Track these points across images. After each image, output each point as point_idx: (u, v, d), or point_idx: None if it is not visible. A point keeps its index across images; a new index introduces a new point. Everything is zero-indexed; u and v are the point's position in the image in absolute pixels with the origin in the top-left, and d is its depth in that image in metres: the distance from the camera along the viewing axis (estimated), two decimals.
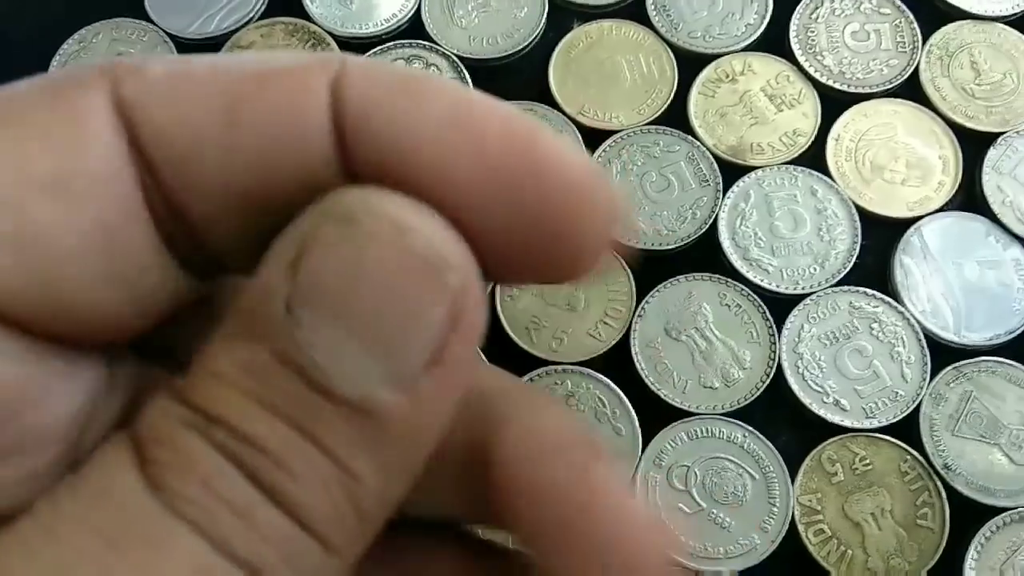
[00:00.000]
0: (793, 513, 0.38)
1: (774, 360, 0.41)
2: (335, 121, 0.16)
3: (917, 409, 0.40)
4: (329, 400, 0.14)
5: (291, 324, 0.14)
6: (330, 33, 0.47)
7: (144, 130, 0.16)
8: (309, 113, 0.16)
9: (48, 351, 0.17)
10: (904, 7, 0.47)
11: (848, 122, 0.45)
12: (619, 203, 0.16)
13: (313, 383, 0.14)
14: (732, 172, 0.44)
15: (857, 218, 0.43)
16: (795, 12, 0.47)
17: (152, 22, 0.48)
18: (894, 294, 0.42)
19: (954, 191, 0.44)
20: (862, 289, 0.42)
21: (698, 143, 0.44)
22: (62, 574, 0.14)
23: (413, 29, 0.48)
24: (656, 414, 0.40)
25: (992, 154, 0.44)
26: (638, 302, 0.42)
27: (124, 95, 0.16)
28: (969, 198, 0.44)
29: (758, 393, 0.40)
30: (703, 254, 0.43)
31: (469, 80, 0.46)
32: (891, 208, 0.43)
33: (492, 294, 0.42)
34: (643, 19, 0.47)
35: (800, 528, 0.38)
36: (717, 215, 0.43)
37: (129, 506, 0.14)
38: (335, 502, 0.15)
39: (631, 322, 0.41)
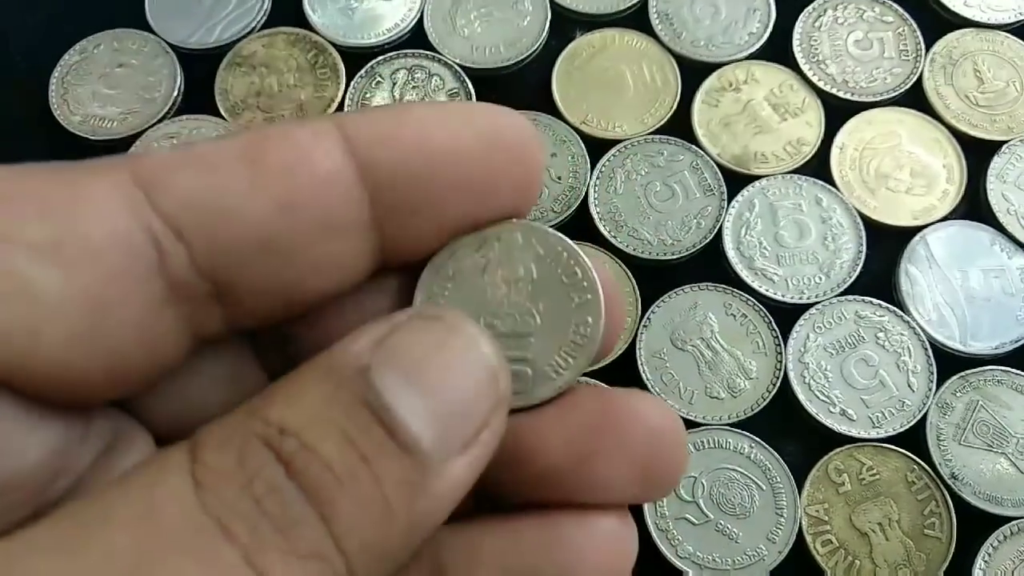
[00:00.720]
0: (800, 523, 0.38)
1: (780, 370, 0.40)
2: (352, 156, 0.18)
3: (924, 418, 0.40)
4: (394, 439, 0.16)
5: (371, 380, 0.16)
6: (332, 43, 0.47)
7: (165, 199, 0.17)
8: (327, 153, 0.18)
9: (19, 403, 0.17)
10: (907, 15, 0.47)
11: (852, 131, 0.45)
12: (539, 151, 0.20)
13: (384, 423, 0.16)
14: (736, 181, 0.44)
15: (862, 227, 0.43)
16: (798, 20, 0.47)
17: (153, 32, 0.47)
18: (900, 303, 0.42)
19: (959, 200, 0.44)
20: (868, 298, 0.42)
21: (702, 152, 0.44)
22: (108, 571, 0.14)
23: (415, 39, 0.47)
24: None
25: (996, 162, 0.44)
26: (643, 312, 0.42)
27: (141, 178, 0.17)
28: (973, 207, 0.44)
29: (764, 403, 0.40)
30: (708, 264, 0.43)
31: (472, 89, 0.46)
32: (896, 217, 0.43)
33: None
34: (646, 28, 0.47)
35: (807, 538, 0.38)
36: (722, 224, 0.43)
37: (172, 511, 0.15)
38: (371, 531, 0.16)
39: (637, 332, 0.41)
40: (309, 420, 0.16)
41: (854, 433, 0.39)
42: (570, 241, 0.21)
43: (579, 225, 0.43)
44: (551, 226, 0.22)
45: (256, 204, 0.18)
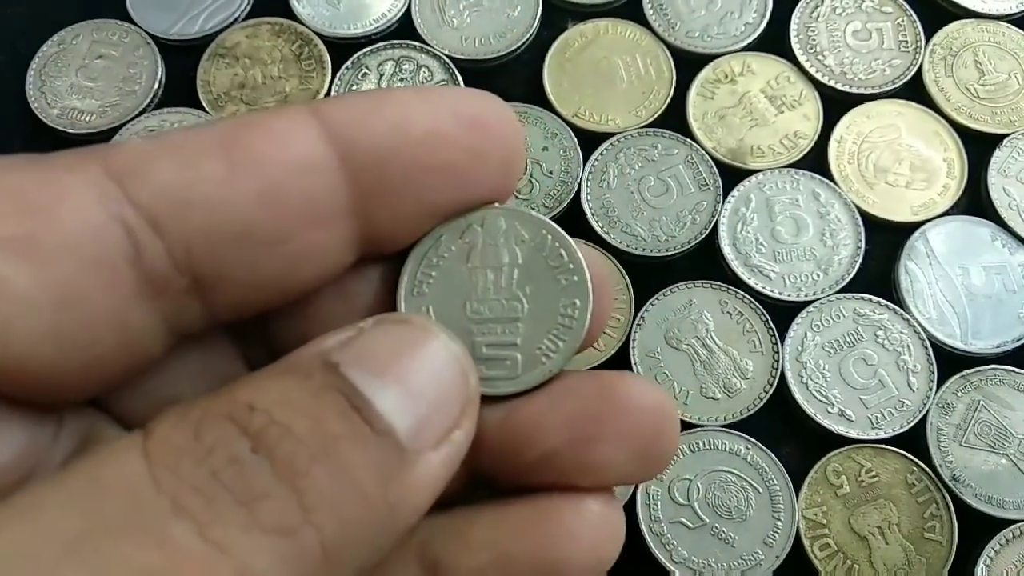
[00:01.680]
0: (798, 527, 0.38)
1: (777, 369, 0.40)
2: (330, 142, 0.18)
3: (924, 419, 0.39)
4: (368, 424, 0.16)
5: (342, 372, 0.16)
6: (318, 34, 0.46)
7: (140, 191, 0.17)
8: (305, 139, 0.18)
9: None
10: (907, 5, 0.46)
11: (850, 124, 0.44)
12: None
13: (358, 409, 0.16)
14: (732, 176, 0.43)
15: (861, 222, 0.42)
16: (795, 11, 0.46)
17: (134, 23, 0.46)
18: (899, 301, 0.41)
19: (959, 194, 0.43)
20: (867, 296, 0.41)
21: (697, 146, 0.43)
22: (32, 556, 0.14)
23: (403, 29, 0.46)
24: None
25: (998, 156, 0.43)
26: (637, 310, 0.41)
27: (115, 169, 0.17)
28: (974, 201, 0.43)
29: (761, 404, 0.39)
30: (703, 260, 0.42)
31: (461, 81, 0.45)
32: (895, 212, 0.42)
33: None
34: (640, 18, 0.46)
35: (805, 542, 0.38)
36: (717, 220, 0.42)
37: (119, 488, 0.15)
38: (346, 510, 0.15)
39: (630, 331, 0.40)
40: (279, 401, 0.16)
41: (853, 434, 0.39)
42: (554, 224, 0.21)
43: (571, 221, 0.43)
44: None
45: (234, 193, 0.17)
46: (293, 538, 0.15)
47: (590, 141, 0.44)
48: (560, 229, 0.21)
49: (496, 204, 0.21)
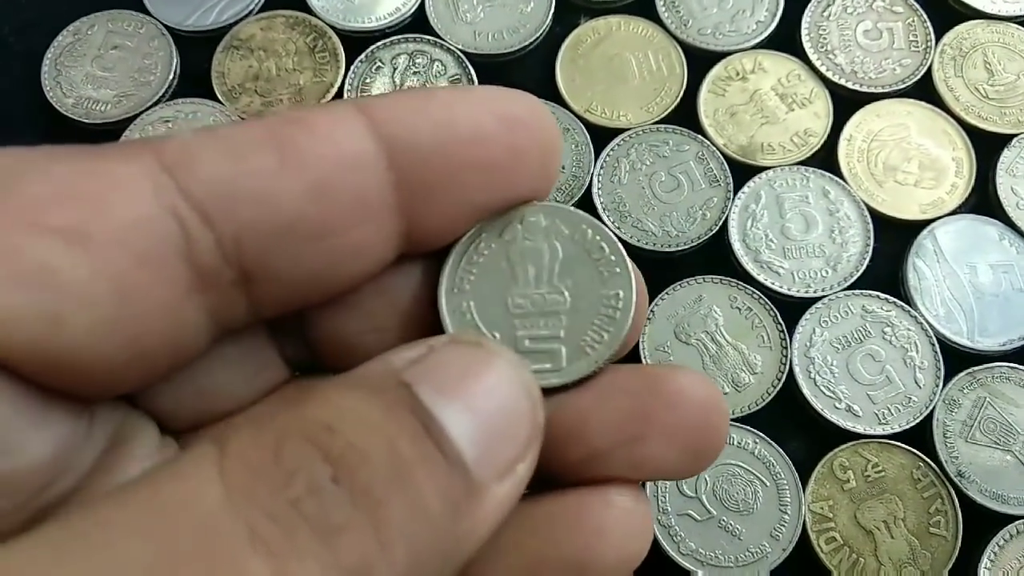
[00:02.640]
0: (805, 520, 0.38)
1: (785, 365, 0.40)
2: (377, 139, 0.18)
3: (930, 415, 0.39)
4: (440, 450, 0.15)
5: (415, 391, 0.16)
6: (332, 27, 0.46)
7: (193, 183, 0.17)
8: (353, 136, 0.18)
9: (31, 396, 0.16)
10: (917, 6, 0.46)
11: (860, 122, 0.44)
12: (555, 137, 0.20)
13: (431, 432, 0.15)
14: (743, 172, 0.43)
15: (870, 220, 0.42)
16: (807, 9, 0.46)
17: (149, 14, 0.46)
18: (907, 298, 0.41)
19: (968, 193, 0.43)
20: (875, 293, 0.41)
21: (708, 143, 0.44)
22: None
23: (417, 23, 0.47)
24: None
25: (1006, 156, 0.43)
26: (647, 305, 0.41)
27: (166, 160, 0.17)
28: (983, 200, 0.43)
29: (769, 398, 0.40)
30: (713, 256, 0.43)
31: (474, 76, 0.45)
32: (904, 210, 0.43)
33: None
34: (652, 15, 0.46)
35: (812, 536, 0.38)
36: (727, 216, 0.42)
37: (194, 513, 0.14)
38: (418, 544, 0.15)
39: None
40: (356, 422, 0.15)
41: (860, 429, 0.39)
42: (593, 219, 0.21)
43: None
44: None
45: (284, 188, 0.18)
46: (371, 573, 0.14)
47: (602, 136, 0.44)
48: (600, 224, 0.21)
49: (535, 201, 0.21)
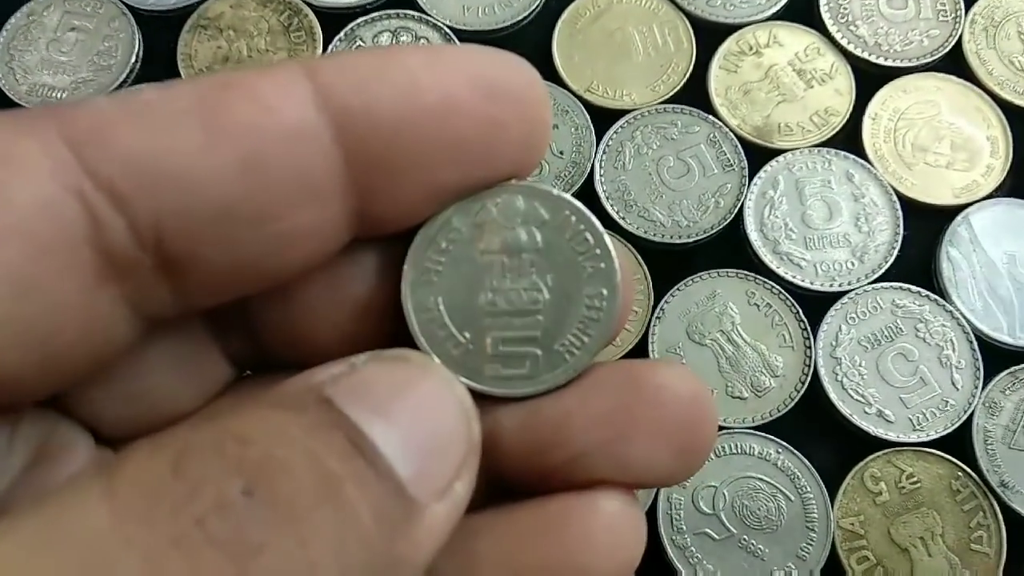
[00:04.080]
0: (833, 538, 0.37)
1: (809, 366, 0.38)
2: (325, 108, 0.17)
3: (969, 420, 0.38)
4: (373, 467, 0.15)
5: (339, 408, 0.15)
6: (307, 3, 0.44)
7: (102, 161, 0.16)
8: (296, 104, 0.17)
9: None
10: None
11: (886, 99, 0.43)
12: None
13: (360, 448, 0.15)
14: (758, 155, 0.42)
15: (899, 206, 0.41)
16: None
17: None
18: (941, 291, 0.40)
19: (1004, 175, 0.42)
20: (906, 286, 0.40)
21: (720, 123, 0.42)
22: None
23: None
24: None
25: None
26: (656, 302, 0.39)
27: (72, 134, 0.16)
28: (1020, 183, 0.42)
29: (792, 403, 0.38)
30: (728, 248, 0.41)
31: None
32: (935, 195, 0.41)
33: None
34: None
35: (841, 555, 0.36)
36: (743, 204, 0.41)
37: (75, 544, 0.13)
38: (351, 564, 0.14)
39: (649, 324, 0.39)
40: (274, 434, 0.15)
41: (892, 436, 0.38)
42: (578, 203, 0.20)
43: (584, 205, 0.40)
44: None
45: (213, 165, 0.16)
46: None
47: (604, 118, 0.43)
48: (585, 210, 0.20)
49: (513, 180, 0.19)
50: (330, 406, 0.15)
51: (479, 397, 0.19)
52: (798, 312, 0.39)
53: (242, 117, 0.16)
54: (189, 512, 0.13)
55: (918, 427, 0.37)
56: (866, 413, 0.38)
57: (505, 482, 0.20)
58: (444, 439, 0.16)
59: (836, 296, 0.39)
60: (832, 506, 0.37)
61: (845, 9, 0.44)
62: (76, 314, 0.16)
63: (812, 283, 0.39)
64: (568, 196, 0.20)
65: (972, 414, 0.38)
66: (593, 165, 0.41)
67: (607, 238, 0.20)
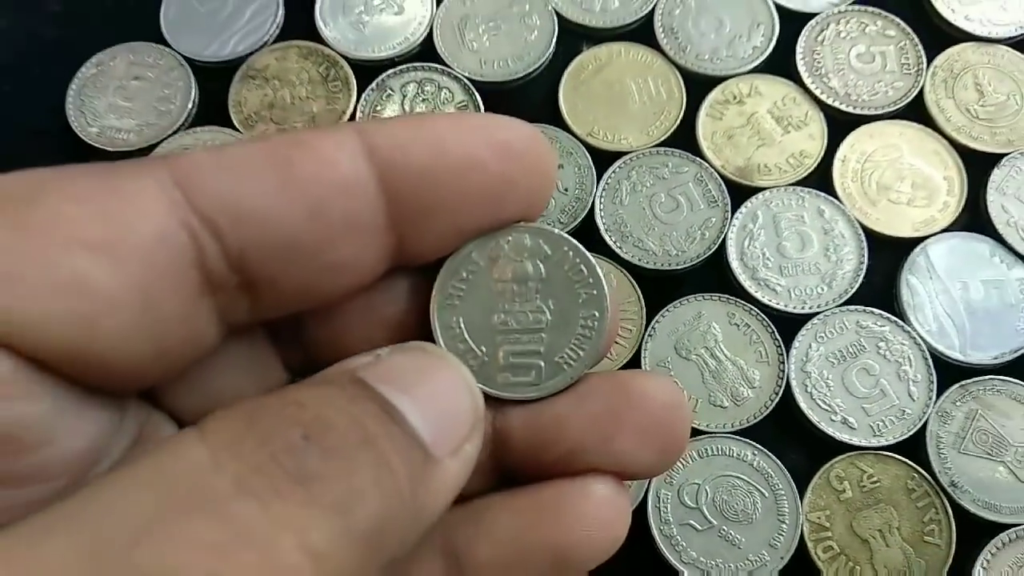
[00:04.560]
0: (802, 530, 0.39)
1: (783, 379, 0.41)
2: (372, 163, 0.19)
3: (924, 427, 0.40)
4: (401, 429, 0.17)
5: (370, 385, 0.18)
6: (344, 56, 0.48)
7: (205, 201, 0.18)
8: (350, 160, 0.19)
9: (70, 392, 0.18)
10: (909, 29, 0.47)
11: (854, 143, 0.45)
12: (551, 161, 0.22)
13: (390, 415, 0.17)
14: (740, 193, 0.44)
15: (864, 238, 0.43)
16: (801, 34, 0.47)
17: (168, 45, 0.48)
18: (901, 314, 0.42)
19: (959, 211, 0.44)
20: (869, 309, 0.42)
21: (706, 164, 0.45)
22: (107, 541, 0.14)
23: (425, 52, 0.48)
24: None
25: (996, 175, 0.44)
26: (648, 322, 0.42)
27: (180, 178, 0.18)
28: (974, 218, 0.44)
29: (767, 411, 0.41)
30: (712, 274, 0.44)
31: (480, 102, 0.47)
32: (897, 228, 0.44)
33: None
34: (652, 42, 0.48)
35: (809, 545, 0.39)
36: (726, 235, 0.43)
37: (182, 473, 0.16)
38: (385, 500, 0.17)
39: (642, 341, 0.42)
40: (322, 401, 0.17)
41: (855, 441, 0.40)
42: (575, 241, 0.22)
43: (585, 236, 0.44)
44: None
45: (284, 206, 0.19)
46: (347, 515, 0.16)
47: (604, 159, 0.45)
48: (580, 246, 0.23)
49: (522, 222, 0.22)
50: (364, 384, 0.18)
51: (492, 400, 0.22)
52: (773, 331, 0.41)
53: (308, 169, 0.19)
54: (264, 450, 0.16)
55: (878, 433, 0.40)
56: (832, 420, 0.40)
57: (512, 472, 0.22)
58: (456, 411, 0.19)
59: (807, 317, 0.42)
60: (801, 502, 0.39)
61: (819, 63, 0.47)
62: (182, 320, 0.19)
63: (786, 306, 0.42)
64: (566, 235, 0.22)
65: (926, 422, 0.40)
66: (594, 201, 0.44)
67: (599, 270, 0.22)
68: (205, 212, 0.19)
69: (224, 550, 0.15)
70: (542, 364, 0.22)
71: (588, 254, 0.23)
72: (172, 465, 0.16)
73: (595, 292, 0.22)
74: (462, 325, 0.22)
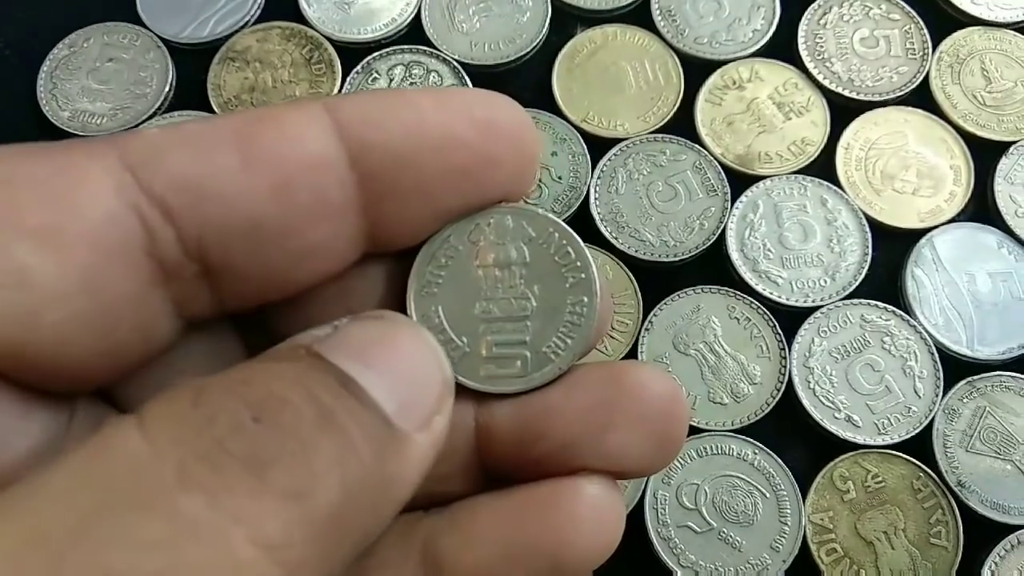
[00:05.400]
0: (805, 532, 0.38)
1: (784, 375, 0.40)
2: (343, 140, 0.18)
3: (930, 425, 0.39)
4: (361, 403, 0.16)
5: (327, 358, 0.16)
6: (328, 38, 0.46)
7: (154, 181, 0.17)
8: (318, 136, 0.18)
9: (9, 392, 0.17)
10: (914, 13, 0.46)
11: (858, 130, 0.44)
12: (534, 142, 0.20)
13: (347, 387, 0.16)
14: (740, 182, 0.43)
15: (868, 229, 0.42)
16: (803, 18, 0.46)
17: (145, 26, 0.46)
18: (906, 307, 0.41)
19: (966, 201, 0.43)
20: (873, 302, 0.41)
21: (705, 152, 0.44)
22: (39, 542, 0.13)
23: (413, 34, 0.47)
24: None
25: (1004, 164, 0.43)
26: (645, 315, 0.41)
27: (130, 158, 0.17)
28: (981, 208, 0.43)
29: (768, 409, 0.40)
30: (711, 266, 0.42)
31: (470, 86, 0.45)
32: (902, 219, 0.43)
33: None
34: (648, 24, 0.46)
35: (812, 547, 0.38)
36: (725, 226, 0.42)
37: (118, 465, 0.14)
38: (351, 477, 0.15)
39: (638, 336, 0.41)
40: (273, 376, 0.16)
41: (859, 439, 0.39)
42: (560, 222, 0.21)
43: (580, 226, 0.43)
44: None
45: (247, 187, 0.18)
46: (305, 501, 0.14)
47: (599, 146, 0.44)
48: (567, 227, 0.21)
49: (503, 203, 0.21)
50: (318, 357, 0.16)
51: (475, 394, 0.21)
52: (775, 325, 0.40)
53: (272, 146, 0.18)
54: (210, 435, 0.14)
55: (883, 431, 0.39)
56: (835, 418, 0.39)
57: (497, 472, 0.21)
58: (421, 380, 0.18)
59: (810, 311, 0.41)
60: (804, 502, 0.38)
61: (821, 47, 0.45)
62: (132, 311, 0.18)
63: (788, 299, 0.41)
64: (551, 215, 0.21)
65: (932, 420, 0.39)
66: (589, 189, 0.43)
67: (587, 252, 0.21)
68: (157, 194, 0.17)
69: (169, 549, 0.13)
70: (528, 354, 0.21)
71: (575, 235, 0.21)
72: (110, 455, 0.14)
73: (583, 276, 0.21)
74: (441, 314, 0.21)
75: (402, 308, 0.21)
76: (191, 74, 0.46)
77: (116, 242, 0.17)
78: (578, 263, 0.21)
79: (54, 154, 0.17)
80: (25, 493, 0.14)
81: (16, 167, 0.17)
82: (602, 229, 0.42)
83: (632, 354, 0.40)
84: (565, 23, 0.47)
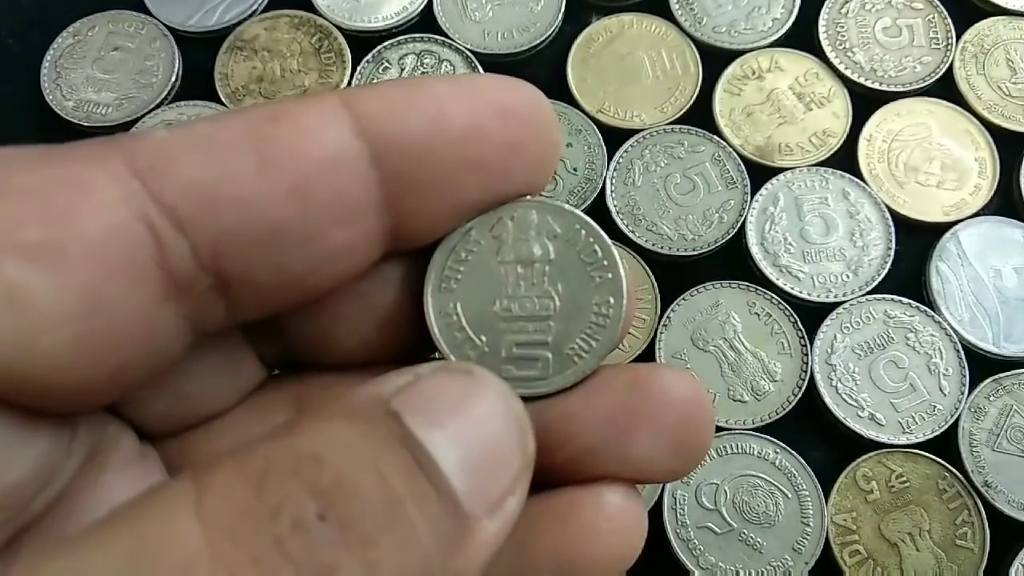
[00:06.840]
0: (827, 533, 0.37)
1: (806, 372, 0.39)
2: (363, 136, 0.17)
3: (956, 423, 0.38)
4: (431, 482, 0.15)
5: (403, 420, 0.15)
6: (337, 27, 0.45)
7: (165, 188, 0.16)
8: (337, 133, 0.17)
9: (10, 418, 0.16)
10: (937, 2, 0.45)
11: (880, 122, 0.43)
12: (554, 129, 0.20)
13: (420, 463, 0.15)
14: (760, 174, 0.42)
15: (891, 222, 0.41)
16: (824, 6, 0.45)
17: (150, 14, 0.46)
18: (930, 303, 0.40)
19: (991, 195, 0.42)
20: (897, 297, 0.40)
21: (724, 143, 0.43)
22: None
23: (424, 23, 0.46)
24: None
25: None
26: (663, 311, 0.40)
27: (137, 164, 0.16)
28: (1006, 202, 0.42)
29: (790, 407, 0.39)
30: (730, 260, 0.42)
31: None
32: (926, 212, 0.42)
33: None
34: (665, 13, 0.45)
35: (835, 549, 0.37)
36: (745, 219, 0.41)
37: (168, 557, 0.13)
38: (403, 572, 0.14)
39: (656, 332, 0.40)
40: (345, 452, 0.15)
41: (883, 438, 0.38)
42: (587, 218, 0.20)
43: (596, 219, 0.38)
44: None
45: (264, 190, 0.17)
46: None
47: (615, 137, 0.43)
48: (594, 223, 0.20)
49: (528, 196, 0.20)
50: (397, 420, 0.15)
51: None
52: (796, 321, 0.40)
53: (289, 146, 0.17)
54: (270, 532, 0.14)
55: (907, 430, 0.38)
56: (859, 416, 0.38)
57: None
58: (500, 455, 0.16)
59: (832, 307, 0.40)
60: (826, 503, 0.37)
61: (843, 36, 0.44)
62: (141, 329, 0.17)
63: (809, 294, 0.40)
64: (578, 211, 0.20)
65: (958, 418, 0.38)
66: (605, 181, 0.42)
67: (614, 250, 0.20)
68: (168, 203, 0.16)
69: None
70: (549, 356, 0.20)
71: (602, 232, 0.20)
72: (158, 543, 0.13)
73: (610, 275, 0.20)
74: (460, 312, 0.20)
75: (417, 308, 0.20)
76: (198, 63, 0.45)
77: (123, 257, 0.16)
78: (605, 262, 0.20)
79: (54, 160, 0.16)
80: (67, 565, 0.13)
81: (12, 176, 0.15)
82: (618, 222, 0.41)
83: (649, 351, 0.40)
84: (580, 11, 0.46)
